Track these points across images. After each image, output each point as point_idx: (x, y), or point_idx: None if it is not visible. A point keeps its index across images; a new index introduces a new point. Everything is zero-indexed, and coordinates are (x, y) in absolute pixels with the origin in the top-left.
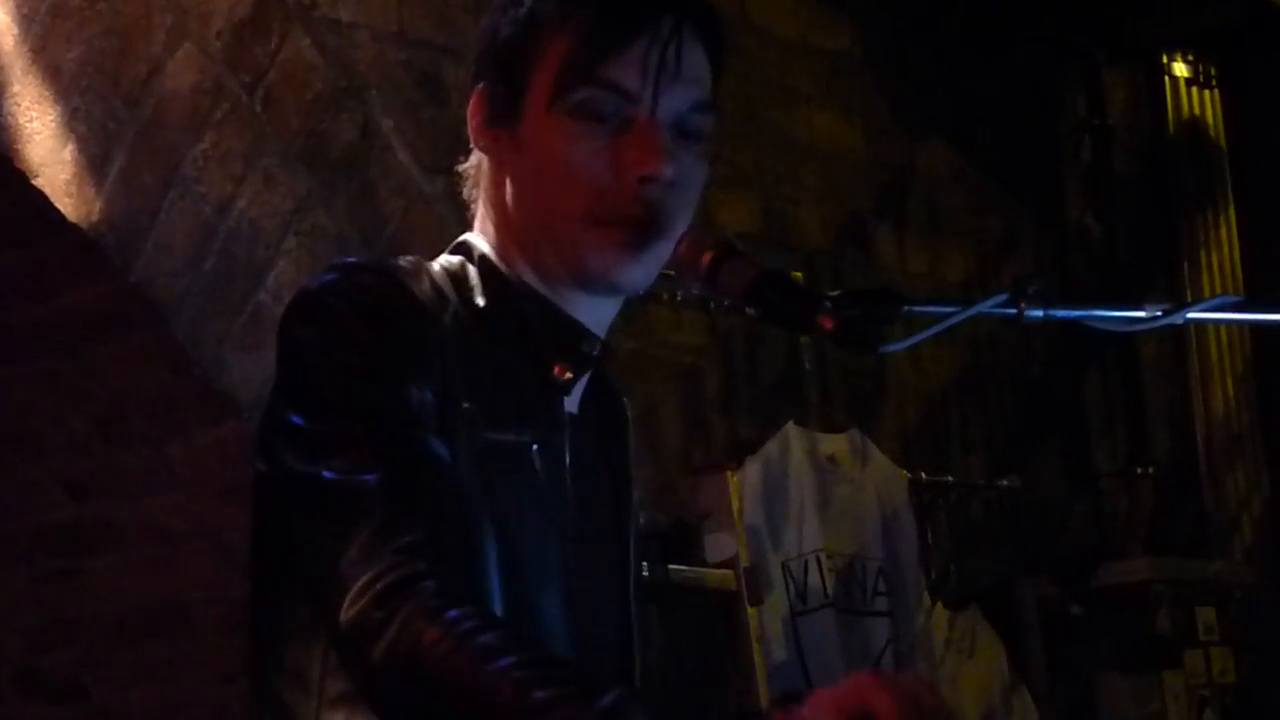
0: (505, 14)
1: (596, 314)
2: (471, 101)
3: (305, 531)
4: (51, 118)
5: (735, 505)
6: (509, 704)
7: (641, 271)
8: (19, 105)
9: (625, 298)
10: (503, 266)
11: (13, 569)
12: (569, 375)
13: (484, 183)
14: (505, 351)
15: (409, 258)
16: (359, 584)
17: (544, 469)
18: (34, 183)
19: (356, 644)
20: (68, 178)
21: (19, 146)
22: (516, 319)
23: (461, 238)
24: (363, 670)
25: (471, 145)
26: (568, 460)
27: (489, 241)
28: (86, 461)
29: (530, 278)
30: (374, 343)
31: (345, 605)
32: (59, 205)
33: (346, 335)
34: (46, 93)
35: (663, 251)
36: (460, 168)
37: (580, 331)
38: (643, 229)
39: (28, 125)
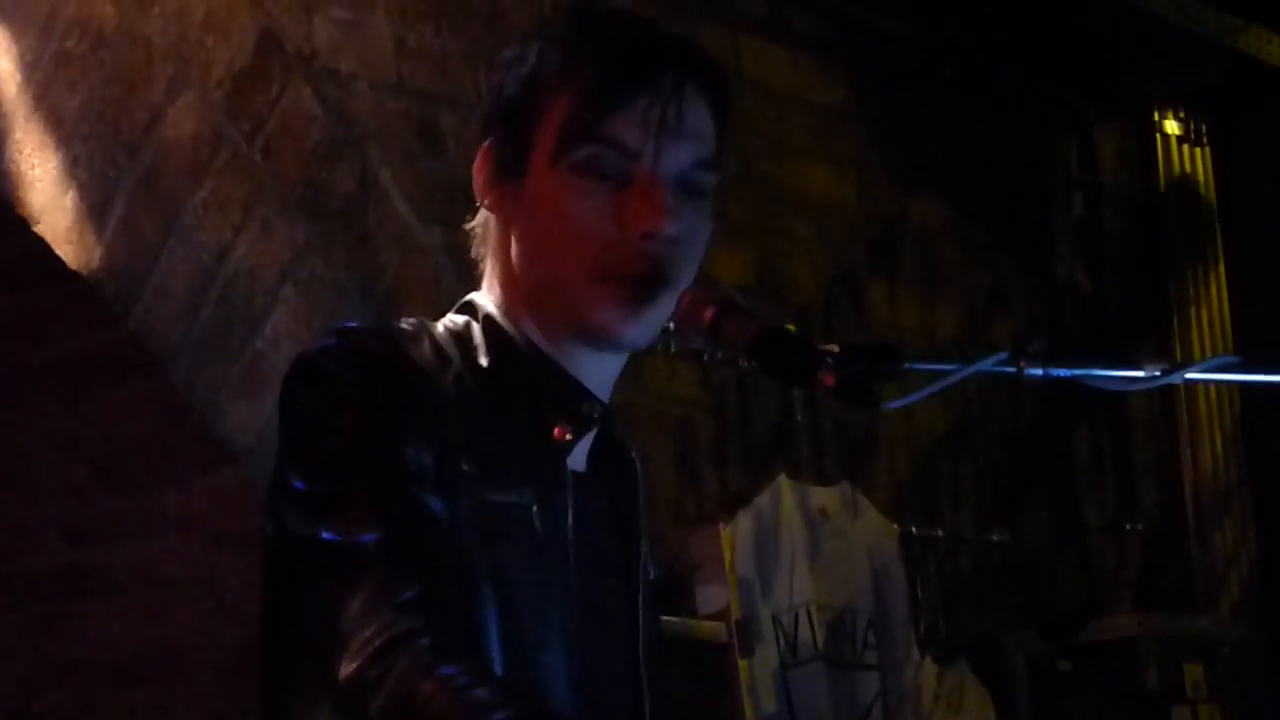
0: (510, 71)
1: (600, 371)
2: (477, 159)
3: (306, 591)
4: (53, 165)
5: (727, 557)
6: None
7: (644, 328)
8: (21, 152)
9: (629, 354)
10: (507, 325)
11: (7, 613)
12: (569, 437)
13: (491, 240)
14: (507, 411)
15: (411, 320)
16: (357, 641)
17: (544, 529)
18: (35, 229)
19: (355, 700)
20: (68, 225)
21: (20, 193)
22: (519, 379)
23: (467, 297)
24: None
25: (478, 203)
26: (570, 519)
27: (495, 299)
28: (82, 507)
29: (535, 335)
30: (371, 405)
31: (344, 662)
32: (59, 252)
33: (344, 399)
34: (48, 140)
35: (665, 308)
36: (468, 225)
37: (581, 393)
38: (645, 285)
39: (29, 172)
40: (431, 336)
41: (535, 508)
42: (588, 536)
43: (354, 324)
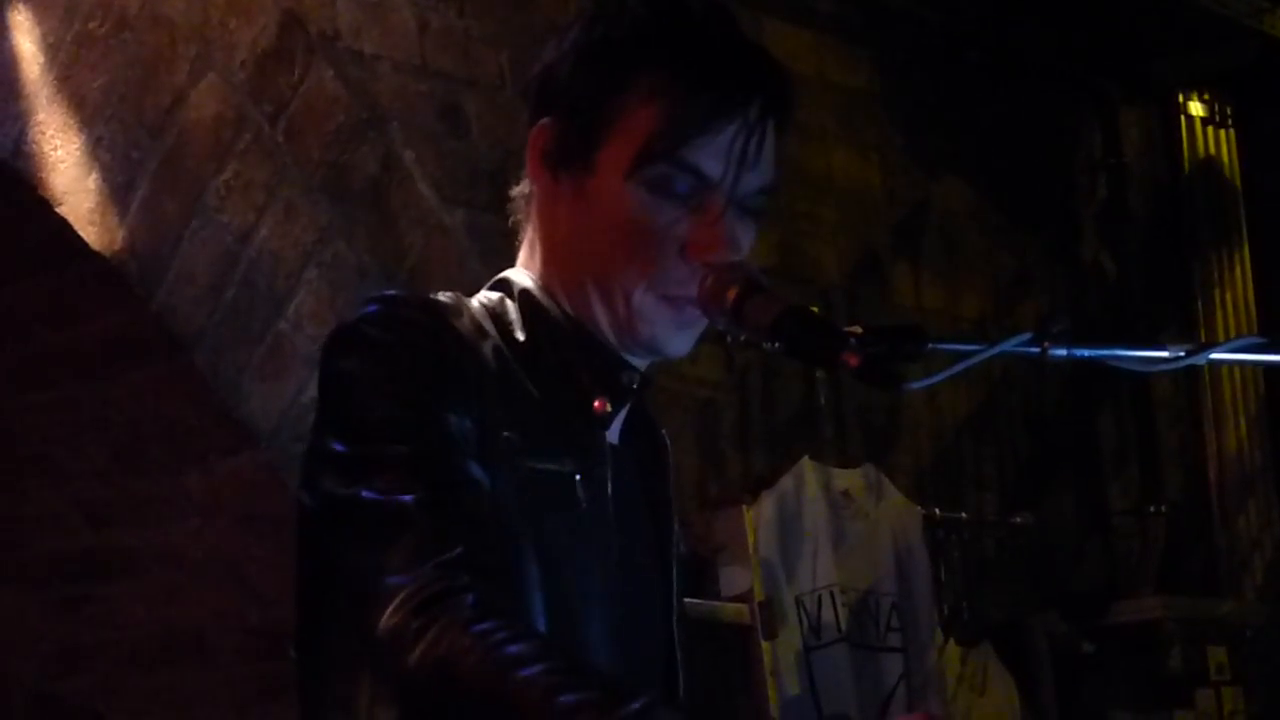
0: (587, 59)
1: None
2: (534, 132)
3: (345, 550)
4: (76, 146)
5: (750, 539)
6: (536, 708)
7: (688, 343)
8: (44, 134)
9: None
10: (544, 300)
11: (30, 595)
12: (608, 408)
13: (535, 215)
14: (546, 385)
15: (449, 293)
16: (401, 595)
17: (587, 499)
18: (58, 211)
19: (392, 651)
20: (91, 206)
21: (43, 175)
22: (556, 352)
23: (501, 275)
24: (397, 676)
25: (528, 174)
26: (610, 490)
27: (533, 274)
28: (105, 489)
29: (573, 311)
30: (413, 371)
31: (386, 615)
32: (82, 233)
33: (385, 364)
34: (71, 121)
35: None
36: (512, 192)
37: (620, 364)
38: (696, 306)
39: (52, 154)
40: (469, 310)
41: (578, 477)
42: (624, 509)
43: (395, 292)
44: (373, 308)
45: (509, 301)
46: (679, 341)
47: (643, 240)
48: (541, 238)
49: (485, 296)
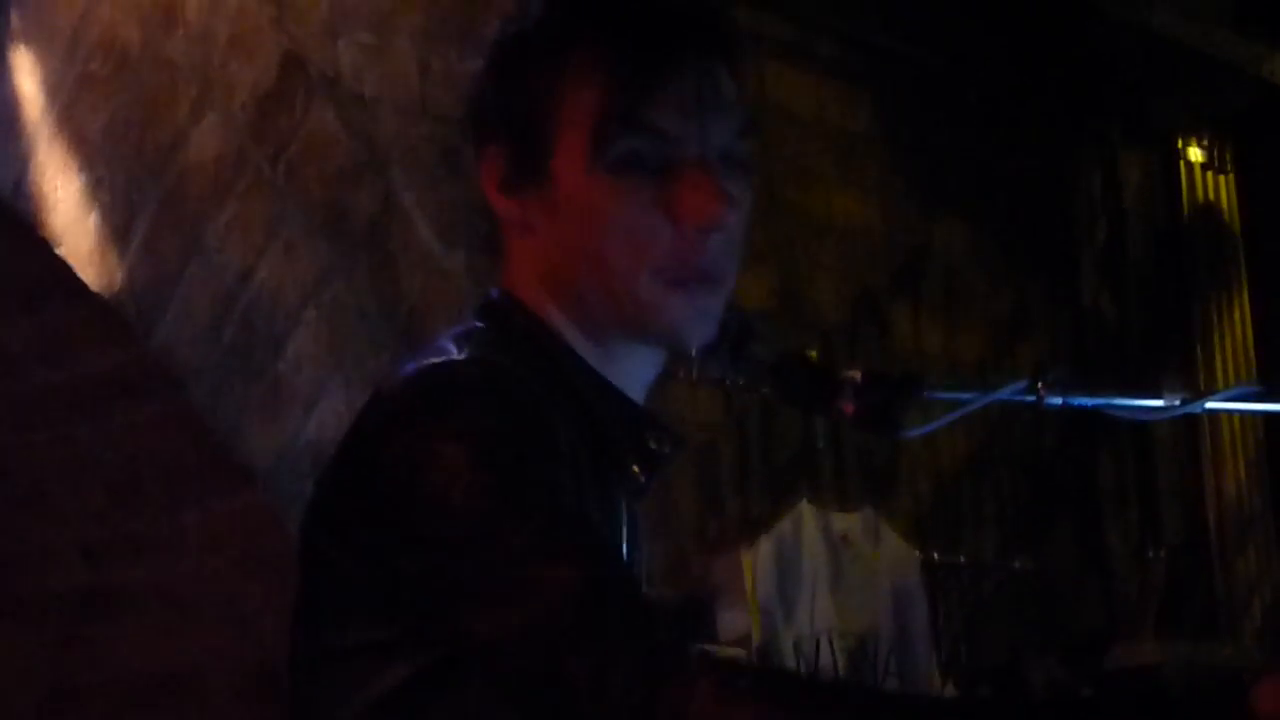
0: (509, 73)
1: (645, 373)
2: (484, 166)
3: (477, 618)
4: (76, 186)
5: (748, 583)
6: None
7: (712, 326)
8: (44, 174)
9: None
10: (560, 346)
11: (27, 633)
12: (644, 478)
13: (509, 250)
14: (590, 449)
15: (483, 351)
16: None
17: None
18: (57, 251)
19: None
20: (90, 246)
21: (43, 215)
22: (589, 412)
23: (493, 302)
24: None
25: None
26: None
27: (534, 313)
28: (102, 527)
29: (579, 343)
30: (524, 453)
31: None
32: (81, 273)
33: (489, 445)
34: (71, 161)
35: (725, 300)
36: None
37: (647, 422)
38: (713, 284)
39: (52, 194)
40: (524, 372)
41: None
42: None
43: (451, 360)
44: (445, 382)
45: (533, 354)
46: (699, 327)
47: (628, 226)
48: (525, 270)
49: (506, 348)
